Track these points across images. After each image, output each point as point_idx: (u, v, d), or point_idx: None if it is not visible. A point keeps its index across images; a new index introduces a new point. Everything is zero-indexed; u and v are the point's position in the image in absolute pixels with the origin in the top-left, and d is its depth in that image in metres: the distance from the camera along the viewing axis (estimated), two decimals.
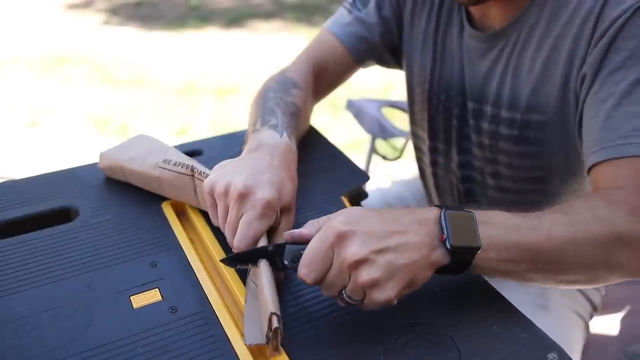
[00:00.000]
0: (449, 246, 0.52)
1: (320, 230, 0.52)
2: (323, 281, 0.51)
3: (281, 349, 0.51)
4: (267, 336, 0.50)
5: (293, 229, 0.58)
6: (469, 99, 0.85)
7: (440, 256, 0.52)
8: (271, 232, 0.61)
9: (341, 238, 0.50)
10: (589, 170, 0.66)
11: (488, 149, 0.85)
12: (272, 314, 0.49)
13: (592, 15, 0.69)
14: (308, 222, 0.55)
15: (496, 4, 0.77)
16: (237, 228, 0.58)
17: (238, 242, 0.58)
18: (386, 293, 0.50)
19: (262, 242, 0.58)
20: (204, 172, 0.66)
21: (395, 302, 0.51)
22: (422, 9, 0.89)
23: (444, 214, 0.53)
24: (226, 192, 0.60)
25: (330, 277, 0.51)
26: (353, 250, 0.49)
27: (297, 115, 0.79)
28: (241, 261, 0.56)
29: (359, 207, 0.56)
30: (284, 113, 0.76)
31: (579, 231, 0.55)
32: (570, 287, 0.61)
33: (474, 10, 0.81)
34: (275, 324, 0.49)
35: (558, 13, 0.73)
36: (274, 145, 0.68)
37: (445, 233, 0.52)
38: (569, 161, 0.80)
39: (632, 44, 0.65)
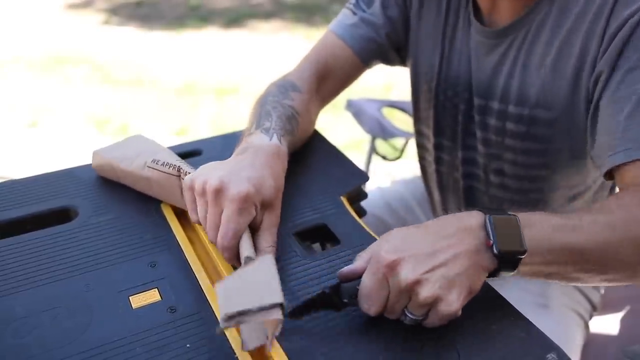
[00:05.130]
0: (496, 251, 0.52)
1: (369, 264, 0.53)
2: (385, 308, 0.53)
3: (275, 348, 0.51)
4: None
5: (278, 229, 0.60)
6: (475, 94, 0.85)
7: (488, 260, 0.53)
8: (255, 229, 0.61)
9: (391, 268, 0.51)
10: (611, 169, 0.66)
11: (494, 145, 0.85)
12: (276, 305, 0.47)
13: (604, 12, 0.69)
14: (357, 256, 0.56)
15: None
16: (218, 225, 0.59)
17: (221, 240, 0.58)
18: (452, 305, 0.51)
19: (246, 240, 0.58)
20: (189, 173, 0.66)
21: (460, 312, 0.52)
22: (429, 7, 0.89)
23: (489, 220, 0.54)
24: (203, 190, 0.60)
25: (390, 303, 0.52)
26: (406, 276, 0.50)
27: (294, 119, 0.78)
28: (307, 309, 0.54)
29: (401, 228, 0.56)
30: (279, 116, 0.75)
31: (619, 231, 0.57)
32: (613, 284, 0.63)
33: (484, 4, 0.81)
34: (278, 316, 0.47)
35: (567, 8, 0.73)
36: (260, 147, 0.68)
37: (492, 239, 0.53)
38: (573, 158, 0.80)
39: None
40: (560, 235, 0.55)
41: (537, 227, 0.55)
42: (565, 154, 0.80)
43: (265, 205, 0.62)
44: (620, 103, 0.66)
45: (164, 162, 0.69)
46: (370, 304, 0.52)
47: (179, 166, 0.67)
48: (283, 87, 0.84)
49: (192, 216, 0.64)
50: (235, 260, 0.59)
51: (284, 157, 0.71)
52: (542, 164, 0.82)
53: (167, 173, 0.68)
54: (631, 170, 0.64)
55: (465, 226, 0.54)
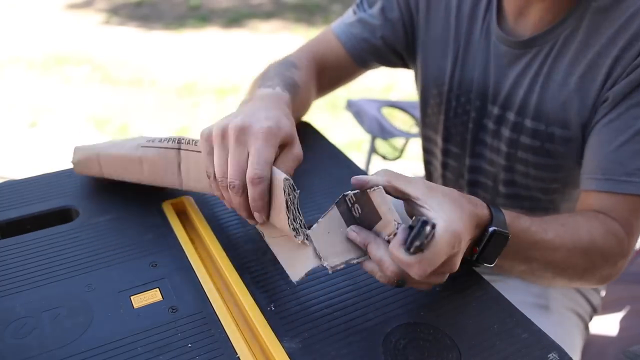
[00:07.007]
0: (472, 258, 0.57)
1: (451, 237, 0.49)
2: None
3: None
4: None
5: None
6: (491, 103, 0.84)
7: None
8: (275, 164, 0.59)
9: (456, 253, 0.52)
10: (585, 189, 0.72)
11: (504, 156, 0.84)
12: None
13: (639, 41, 0.68)
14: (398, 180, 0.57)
15: (540, 3, 0.75)
16: (241, 165, 0.56)
17: (253, 169, 0.55)
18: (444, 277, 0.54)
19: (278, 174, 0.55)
20: (192, 140, 0.65)
21: None
22: (437, 14, 0.88)
23: (490, 233, 0.56)
24: (224, 134, 0.58)
25: (438, 270, 0.51)
26: (461, 253, 0.52)
27: (295, 88, 0.78)
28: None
29: (436, 194, 0.53)
30: (282, 80, 0.76)
31: (576, 253, 0.65)
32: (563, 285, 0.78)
33: (511, 10, 0.79)
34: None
35: (599, 29, 0.71)
36: (264, 94, 0.70)
37: (478, 250, 0.57)
38: None
39: None
40: (532, 252, 0.62)
41: (515, 246, 0.59)
42: (578, 170, 0.79)
43: (286, 142, 0.61)
44: (614, 134, 0.69)
45: (160, 139, 0.67)
46: (424, 271, 0.48)
47: (179, 138, 0.66)
48: (284, 64, 0.85)
49: (208, 169, 0.61)
50: (261, 202, 0.56)
51: (289, 103, 0.71)
52: (554, 179, 0.82)
53: (165, 147, 0.66)
54: (601, 198, 0.70)
55: (473, 218, 0.54)
